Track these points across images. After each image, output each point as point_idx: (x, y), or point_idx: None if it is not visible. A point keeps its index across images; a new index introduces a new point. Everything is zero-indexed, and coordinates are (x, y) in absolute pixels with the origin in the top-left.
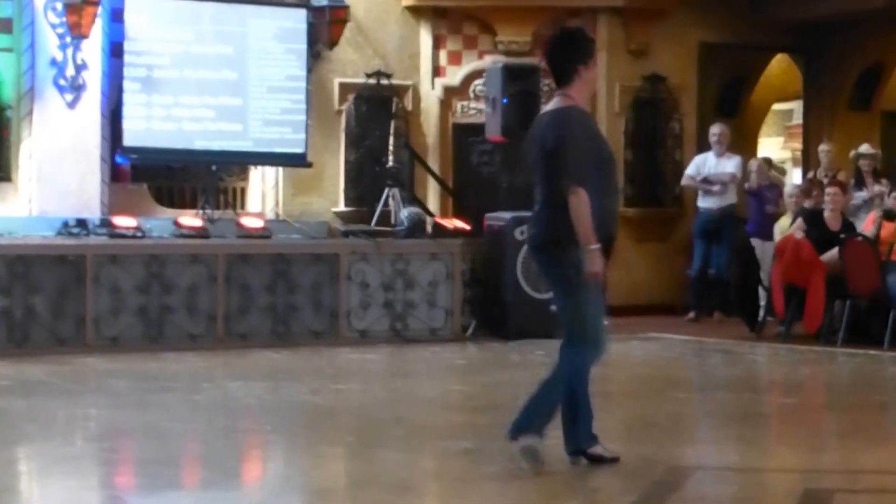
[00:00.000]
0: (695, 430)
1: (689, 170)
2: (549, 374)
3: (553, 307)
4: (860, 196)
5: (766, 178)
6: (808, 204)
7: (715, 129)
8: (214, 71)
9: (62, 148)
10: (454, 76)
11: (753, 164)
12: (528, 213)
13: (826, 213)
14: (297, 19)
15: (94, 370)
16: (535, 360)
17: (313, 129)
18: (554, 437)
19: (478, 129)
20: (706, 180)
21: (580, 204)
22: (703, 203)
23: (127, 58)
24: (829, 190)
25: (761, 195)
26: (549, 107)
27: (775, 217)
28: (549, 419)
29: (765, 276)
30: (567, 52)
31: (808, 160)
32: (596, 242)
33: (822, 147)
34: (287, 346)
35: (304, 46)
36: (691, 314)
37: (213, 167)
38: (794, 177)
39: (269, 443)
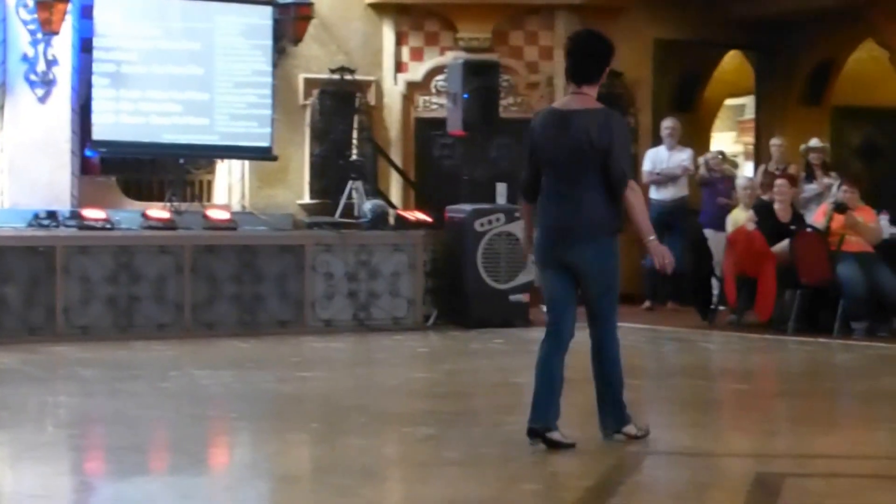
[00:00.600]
0: (650, 416)
1: (646, 165)
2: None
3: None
4: (811, 189)
5: (719, 170)
6: (767, 197)
7: (667, 123)
8: (182, 66)
9: (33, 141)
10: (416, 72)
11: (706, 157)
12: (487, 206)
13: (776, 206)
14: (262, 16)
15: (64, 358)
16: (495, 348)
17: (278, 124)
18: (511, 423)
19: (439, 124)
20: (662, 176)
21: (639, 196)
22: (656, 195)
23: (96, 53)
24: (778, 182)
25: (714, 187)
26: (581, 105)
27: (728, 209)
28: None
29: (717, 267)
30: (599, 52)
31: (759, 154)
32: (653, 233)
33: (774, 141)
34: (253, 335)
35: (269, 42)
36: (647, 303)
37: (181, 160)
38: (747, 170)
39: (236, 429)
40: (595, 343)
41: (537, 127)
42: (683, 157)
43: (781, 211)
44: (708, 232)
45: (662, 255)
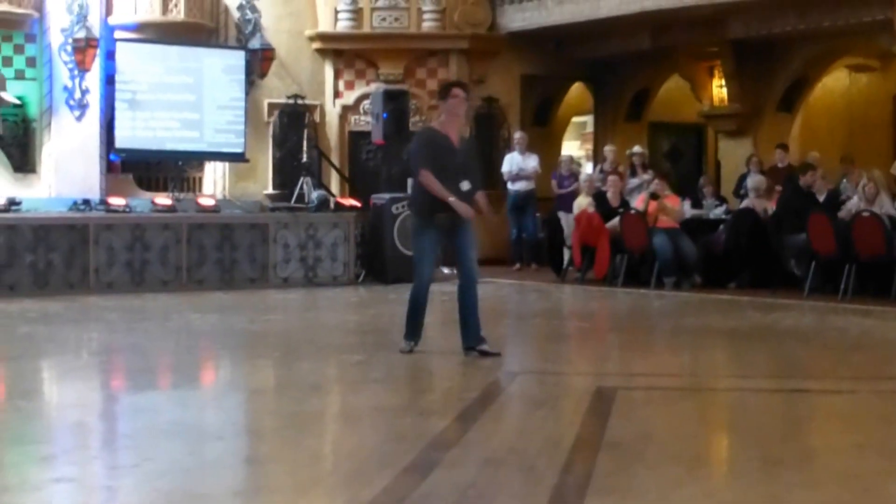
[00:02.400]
0: (518, 346)
1: (506, 167)
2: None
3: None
4: (633, 182)
5: (569, 169)
6: (603, 188)
7: (517, 136)
8: (179, 94)
9: (72, 149)
10: (349, 97)
11: (562, 159)
12: (401, 195)
13: (609, 194)
14: (237, 58)
15: (94, 306)
16: (406, 298)
17: (249, 135)
18: (417, 352)
19: (366, 135)
20: (518, 175)
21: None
22: (513, 187)
23: (118, 85)
24: (610, 178)
25: (562, 181)
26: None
27: (574, 195)
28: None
29: (567, 238)
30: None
31: (597, 157)
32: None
33: (608, 148)
34: (231, 289)
35: (242, 77)
36: (516, 265)
37: (179, 162)
38: (588, 168)
39: (219, 356)
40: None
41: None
42: (533, 162)
43: (612, 198)
44: (561, 213)
45: (465, 209)
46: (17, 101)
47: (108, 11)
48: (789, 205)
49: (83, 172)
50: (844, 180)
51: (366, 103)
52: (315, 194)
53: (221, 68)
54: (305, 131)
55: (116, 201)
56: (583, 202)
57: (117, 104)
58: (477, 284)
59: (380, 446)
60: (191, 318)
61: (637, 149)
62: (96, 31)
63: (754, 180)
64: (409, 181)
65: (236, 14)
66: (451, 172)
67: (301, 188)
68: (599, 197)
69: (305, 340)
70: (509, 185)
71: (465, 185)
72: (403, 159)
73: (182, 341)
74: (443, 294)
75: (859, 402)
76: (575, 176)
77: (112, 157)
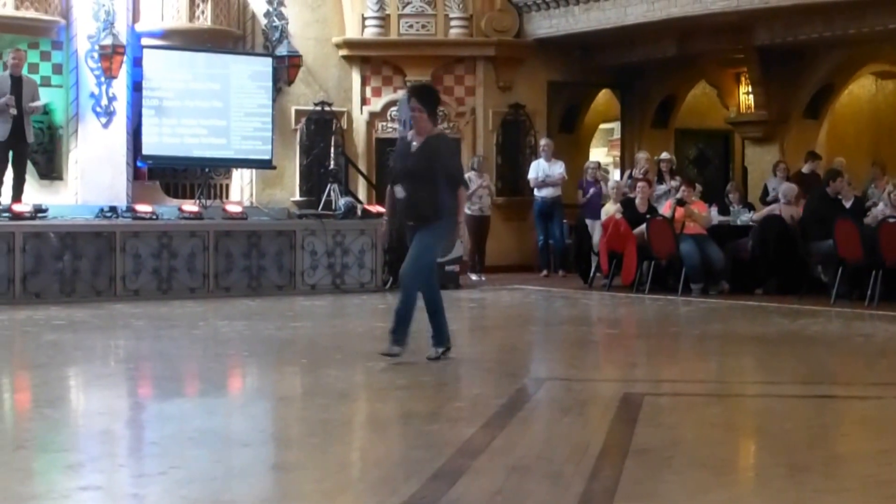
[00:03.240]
0: (546, 352)
1: (532, 174)
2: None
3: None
4: (661, 188)
5: (593, 175)
6: (632, 194)
7: (543, 142)
8: (206, 101)
9: (98, 156)
10: (376, 104)
11: (588, 166)
12: None
13: (637, 200)
14: (264, 64)
15: (121, 313)
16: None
17: (277, 142)
18: (444, 359)
19: (393, 142)
20: (544, 182)
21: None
22: (539, 194)
23: (144, 92)
24: (640, 184)
25: (587, 187)
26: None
27: (600, 202)
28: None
29: (595, 245)
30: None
31: (624, 163)
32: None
33: (640, 154)
34: (258, 295)
35: (269, 84)
36: (544, 272)
37: (206, 169)
38: (615, 175)
39: (246, 364)
40: None
41: None
42: (559, 169)
43: (641, 204)
44: (588, 220)
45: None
46: (44, 106)
47: (135, 18)
48: (815, 211)
49: (110, 179)
50: (872, 186)
51: (393, 110)
52: (342, 201)
53: (248, 75)
54: (332, 138)
55: (143, 208)
56: (610, 208)
57: (144, 111)
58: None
59: (407, 453)
60: (218, 325)
61: (665, 155)
62: (123, 38)
63: (785, 187)
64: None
65: (263, 21)
66: (401, 176)
67: (328, 195)
68: (627, 203)
69: (333, 347)
70: (536, 192)
71: (399, 192)
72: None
73: (209, 349)
74: (471, 301)
75: (886, 408)
76: (599, 182)
77: (139, 164)
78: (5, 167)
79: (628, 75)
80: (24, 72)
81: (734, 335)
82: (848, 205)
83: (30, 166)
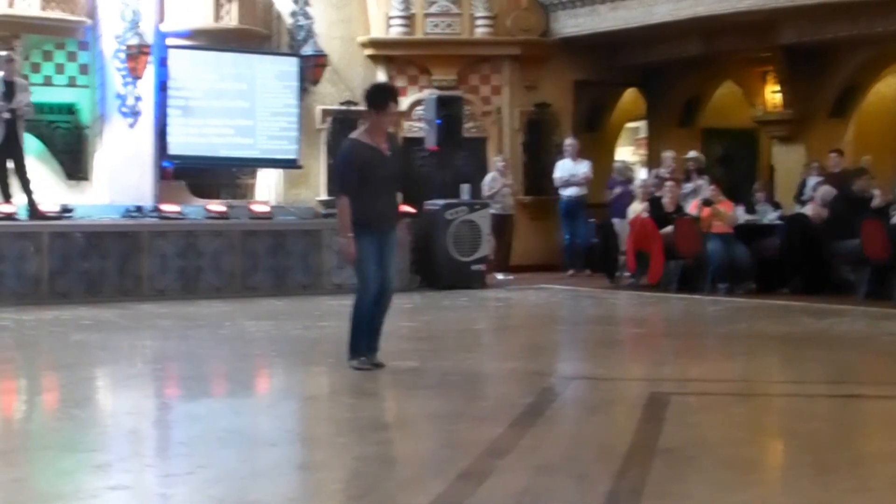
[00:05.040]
0: (572, 352)
1: (557, 173)
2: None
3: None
4: (688, 187)
5: (623, 175)
6: (659, 193)
7: (568, 141)
8: (232, 101)
9: (125, 156)
10: (402, 104)
11: (616, 165)
12: (454, 200)
13: (665, 200)
14: (290, 64)
15: (148, 313)
16: (460, 304)
17: (303, 142)
18: (471, 358)
19: (419, 141)
20: (569, 181)
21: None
22: (565, 193)
23: (170, 92)
24: (668, 183)
25: (615, 186)
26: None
27: (627, 201)
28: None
29: (621, 244)
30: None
31: (650, 162)
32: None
33: (667, 154)
34: (284, 295)
35: (295, 83)
36: (570, 271)
37: (232, 169)
38: (641, 174)
39: (273, 364)
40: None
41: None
42: (584, 168)
43: (668, 203)
44: (615, 220)
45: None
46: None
47: (161, 18)
48: (838, 210)
49: (136, 179)
50: None
51: (419, 109)
52: None
53: (274, 75)
54: None
55: (169, 208)
56: (637, 207)
57: (170, 111)
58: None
59: (434, 453)
60: (244, 325)
61: (693, 154)
62: (149, 38)
63: (824, 190)
64: (462, 187)
65: (289, 20)
66: (379, 184)
67: None
68: (655, 202)
69: None
70: (561, 191)
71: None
72: (457, 165)
73: (236, 348)
74: (497, 300)
75: None
76: (626, 181)
77: (165, 163)
78: (6, 172)
79: (654, 74)
80: (43, 73)
81: (760, 334)
82: (875, 203)
83: (56, 166)
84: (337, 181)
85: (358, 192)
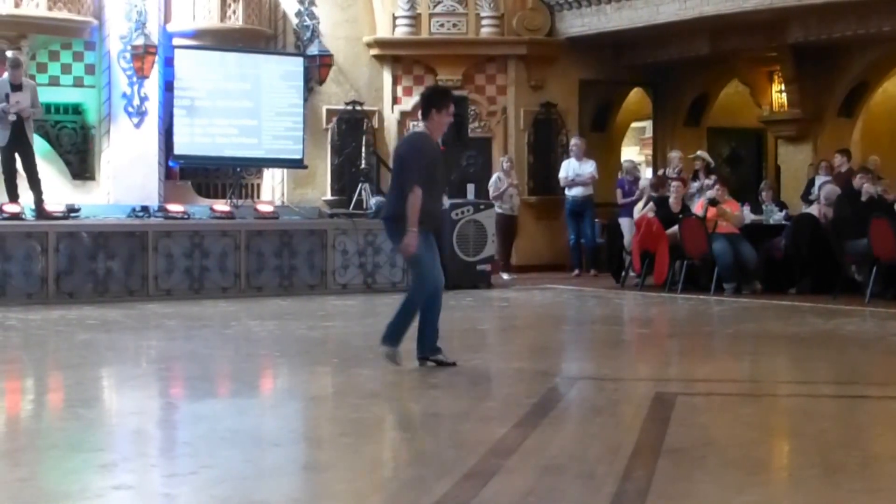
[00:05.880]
0: (577, 352)
1: (562, 173)
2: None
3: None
4: (694, 186)
5: (632, 174)
6: (660, 193)
7: (573, 141)
8: (237, 101)
9: (130, 156)
10: (407, 104)
11: (626, 165)
12: (461, 200)
13: (671, 200)
14: (296, 64)
15: (154, 313)
16: (466, 304)
17: (308, 142)
18: (477, 358)
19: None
20: (574, 181)
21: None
22: (571, 193)
23: (176, 92)
24: (674, 184)
25: (629, 187)
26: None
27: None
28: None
29: (627, 244)
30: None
31: (656, 162)
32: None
33: (673, 153)
34: (290, 295)
35: (301, 83)
36: (575, 271)
37: (237, 169)
38: (647, 174)
39: (278, 364)
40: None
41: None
42: (590, 168)
43: (675, 203)
44: (624, 220)
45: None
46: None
47: (167, 18)
48: (842, 209)
49: (142, 179)
50: None
51: None
52: (373, 200)
53: (280, 75)
54: (364, 137)
55: (175, 208)
56: (641, 207)
57: (176, 111)
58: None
59: (439, 453)
60: (250, 325)
61: (701, 153)
62: (155, 38)
63: (828, 189)
64: (468, 187)
65: (294, 20)
66: (439, 183)
67: (359, 194)
68: (661, 202)
69: (364, 347)
70: (567, 191)
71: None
72: (463, 165)
73: (241, 348)
74: (502, 300)
75: None
76: (635, 181)
77: (171, 163)
78: (14, 172)
79: (660, 74)
80: (49, 73)
81: (767, 335)
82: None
83: (62, 166)
84: (410, 173)
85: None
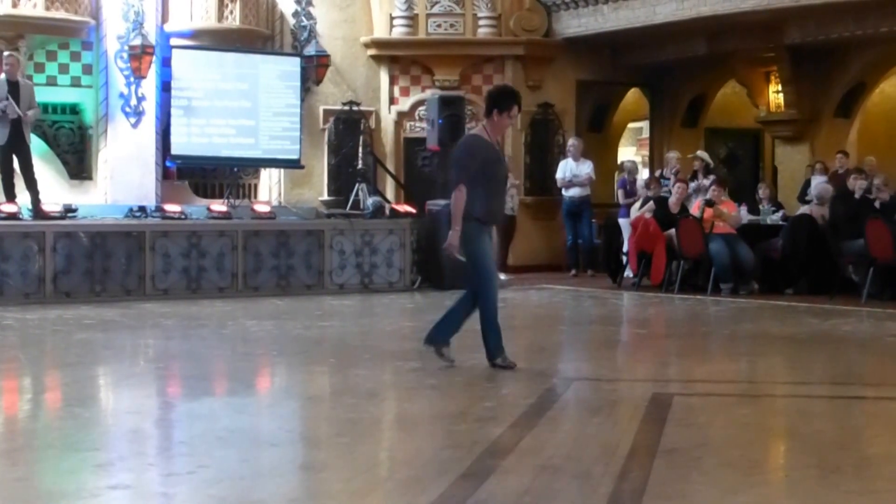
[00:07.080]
0: (574, 352)
1: (559, 173)
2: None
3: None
4: (692, 186)
5: (632, 174)
6: (650, 193)
7: (571, 142)
8: (235, 101)
9: (128, 156)
10: (405, 104)
11: (627, 165)
12: None
13: (671, 200)
14: (293, 64)
15: (151, 312)
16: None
17: (305, 142)
18: (473, 359)
19: (421, 141)
20: (571, 182)
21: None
22: (568, 193)
23: (173, 92)
24: (677, 185)
25: (631, 187)
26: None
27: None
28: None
29: (624, 244)
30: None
31: (653, 163)
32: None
33: (671, 154)
34: (287, 295)
35: (298, 83)
36: (572, 272)
37: (235, 169)
38: (644, 174)
39: (275, 363)
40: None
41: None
42: (587, 168)
43: (674, 204)
44: (623, 220)
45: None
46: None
47: (164, 19)
48: (838, 210)
49: (139, 179)
50: None
51: (421, 109)
52: (370, 201)
53: (277, 75)
54: (361, 138)
55: (172, 208)
56: (637, 208)
57: (173, 111)
58: None
59: (436, 453)
60: (247, 324)
61: (701, 153)
62: (152, 39)
63: (819, 189)
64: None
65: (292, 21)
66: (499, 183)
67: (356, 194)
68: (660, 202)
69: (361, 347)
70: (564, 192)
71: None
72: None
73: (238, 348)
74: (499, 301)
75: None
76: (635, 181)
77: (168, 163)
78: (12, 171)
79: (657, 74)
80: (46, 73)
81: (764, 335)
82: (879, 204)
83: (60, 166)
84: (457, 172)
85: (479, 189)
